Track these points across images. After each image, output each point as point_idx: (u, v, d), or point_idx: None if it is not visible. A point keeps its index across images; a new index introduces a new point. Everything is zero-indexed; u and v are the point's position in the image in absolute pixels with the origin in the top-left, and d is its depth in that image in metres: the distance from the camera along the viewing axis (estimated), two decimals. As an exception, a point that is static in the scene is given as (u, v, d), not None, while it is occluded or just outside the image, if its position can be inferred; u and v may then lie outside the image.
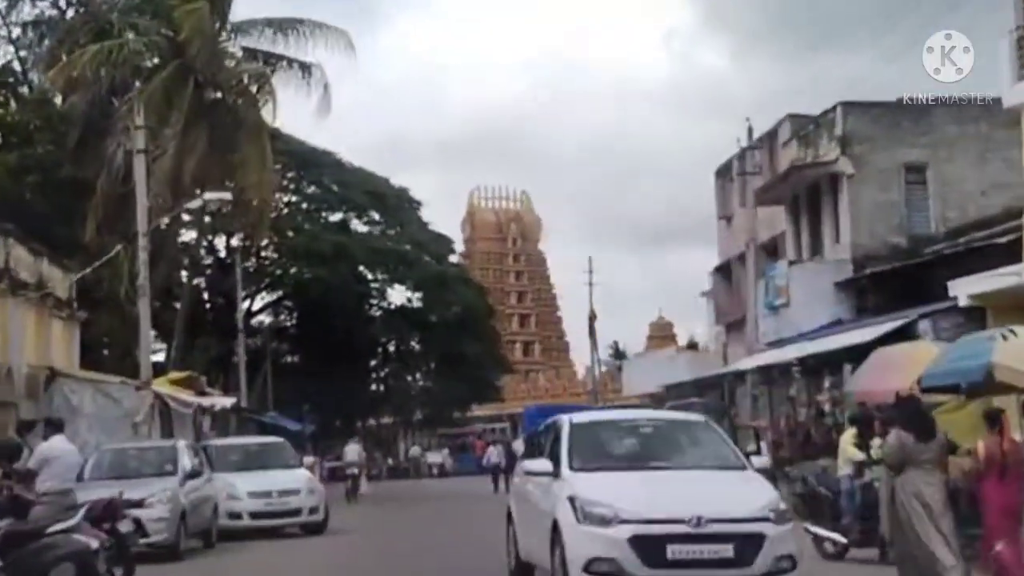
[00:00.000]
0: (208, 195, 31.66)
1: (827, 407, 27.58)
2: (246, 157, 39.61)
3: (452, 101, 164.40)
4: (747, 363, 32.00)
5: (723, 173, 42.49)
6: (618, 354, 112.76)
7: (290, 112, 76.18)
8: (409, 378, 74.94)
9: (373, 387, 75.95)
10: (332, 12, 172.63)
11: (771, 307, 33.94)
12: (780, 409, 32.08)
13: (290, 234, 66.47)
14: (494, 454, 46.26)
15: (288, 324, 73.98)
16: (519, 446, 48.65)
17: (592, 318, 51.23)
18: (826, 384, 27.59)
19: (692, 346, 75.48)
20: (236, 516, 24.75)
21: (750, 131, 33.35)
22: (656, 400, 52.44)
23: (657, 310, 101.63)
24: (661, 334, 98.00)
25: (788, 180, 34.48)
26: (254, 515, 24.93)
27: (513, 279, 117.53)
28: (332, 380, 68.19)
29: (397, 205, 70.82)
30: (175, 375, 35.70)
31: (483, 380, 73.02)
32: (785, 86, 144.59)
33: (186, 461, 22.19)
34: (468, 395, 74.31)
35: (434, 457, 70.73)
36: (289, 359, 74.03)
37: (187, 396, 31.95)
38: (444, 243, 72.96)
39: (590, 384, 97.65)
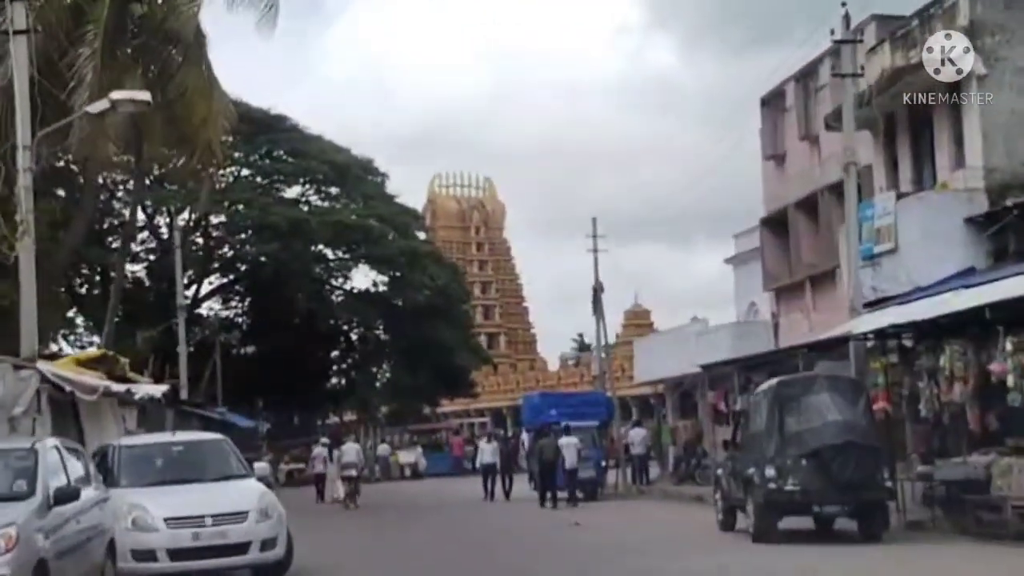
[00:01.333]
0: (117, 94, 21.99)
1: (1009, 379, 18.49)
2: (186, 85, 30.16)
3: (405, 97, 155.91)
4: (856, 326, 22.76)
5: (772, 102, 33.29)
6: (583, 346, 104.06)
7: (237, 74, 66.28)
8: (374, 369, 65.17)
9: (334, 380, 66.27)
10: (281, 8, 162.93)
11: (868, 256, 24.73)
12: (894, 387, 22.88)
13: (240, 208, 56.92)
14: (487, 452, 36.63)
15: (240, 310, 64.29)
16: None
17: (598, 290, 41.91)
18: (1006, 346, 18.53)
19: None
20: (147, 556, 15.11)
21: (846, 19, 24.05)
22: (671, 387, 43.32)
23: (632, 296, 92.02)
24: (638, 321, 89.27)
25: (892, 89, 25.26)
26: (176, 554, 15.27)
27: (476, 269, 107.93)
28: (290, 373, 59.01)
29: (360, 177, 61.34)
30: (85, 354, 26.22)
31: (457, 371, 63.43)
32: (731, 79, 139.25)
33: (56, 474, 12.73)
34: (440, 388, 64.71)
35: (406, 456, 60.43)
36: (242, 350, 64.34)
37: (93, 380, 22.28)
38: (412, 218, 63.24)
39: (564, 376, 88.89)
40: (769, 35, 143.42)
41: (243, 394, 59.30)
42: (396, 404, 64.85)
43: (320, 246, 58.61)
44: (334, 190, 60.41)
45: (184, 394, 39.36)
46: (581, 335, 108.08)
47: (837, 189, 29.89)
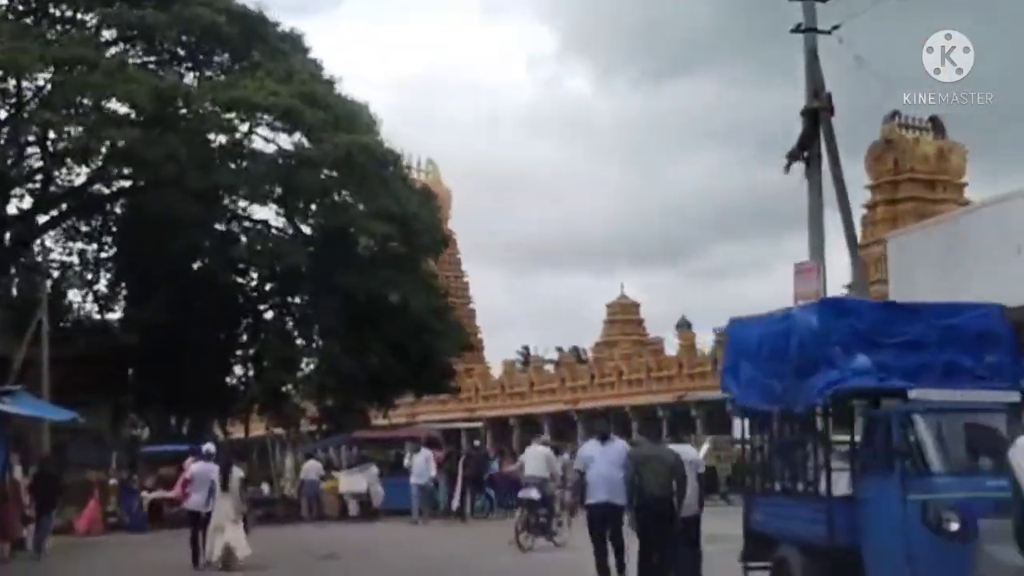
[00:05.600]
0: None
1: None
2: None
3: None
4: None
5: None
6: (527, 359, 79.57)
7: None
8: (299, 343, 38.59)
9: (244, 366, 39.96)
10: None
11: None
12: None
13: (74, 72, 31.09)
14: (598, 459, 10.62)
15: (94, 257, 38.29)
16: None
17: (821, 108, 16.68)
18: None
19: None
20: None
21: None
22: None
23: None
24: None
25: None
26: None
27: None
28: (174, 357, 33.56)
29: (277, 49, 35.72)
30: None
31: (428, 355, 37.25)
32: (645, 110, 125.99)
33: None
34: (404, 379, 38.35)
35: (352, 482, 31.90)
36: (102, 315, 38.38)
37: None
38: (361, 114, 36.76)
39: (509, 385, 64.00)
40: (680, 66, 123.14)
41: (101, 386, 33.77)
42: (335, 400, 38.05)
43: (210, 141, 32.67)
44: (234, 63, 34.75)
45: None
46: (526, 347, 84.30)
47: None
